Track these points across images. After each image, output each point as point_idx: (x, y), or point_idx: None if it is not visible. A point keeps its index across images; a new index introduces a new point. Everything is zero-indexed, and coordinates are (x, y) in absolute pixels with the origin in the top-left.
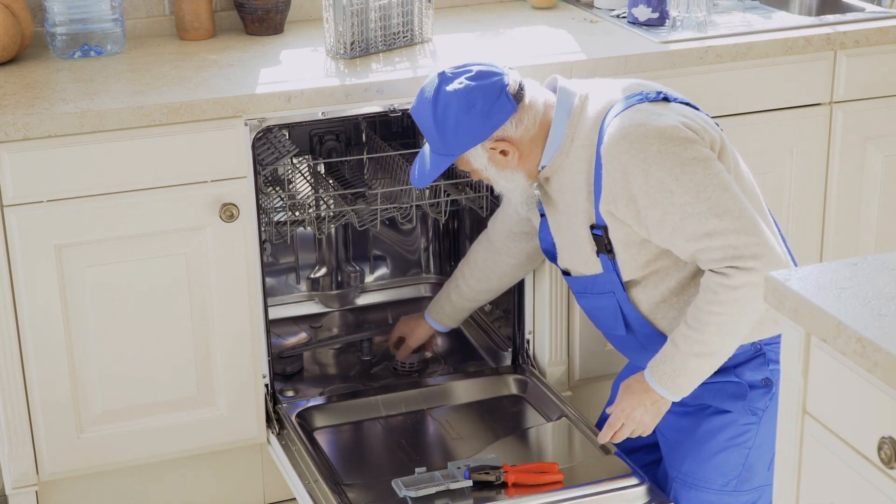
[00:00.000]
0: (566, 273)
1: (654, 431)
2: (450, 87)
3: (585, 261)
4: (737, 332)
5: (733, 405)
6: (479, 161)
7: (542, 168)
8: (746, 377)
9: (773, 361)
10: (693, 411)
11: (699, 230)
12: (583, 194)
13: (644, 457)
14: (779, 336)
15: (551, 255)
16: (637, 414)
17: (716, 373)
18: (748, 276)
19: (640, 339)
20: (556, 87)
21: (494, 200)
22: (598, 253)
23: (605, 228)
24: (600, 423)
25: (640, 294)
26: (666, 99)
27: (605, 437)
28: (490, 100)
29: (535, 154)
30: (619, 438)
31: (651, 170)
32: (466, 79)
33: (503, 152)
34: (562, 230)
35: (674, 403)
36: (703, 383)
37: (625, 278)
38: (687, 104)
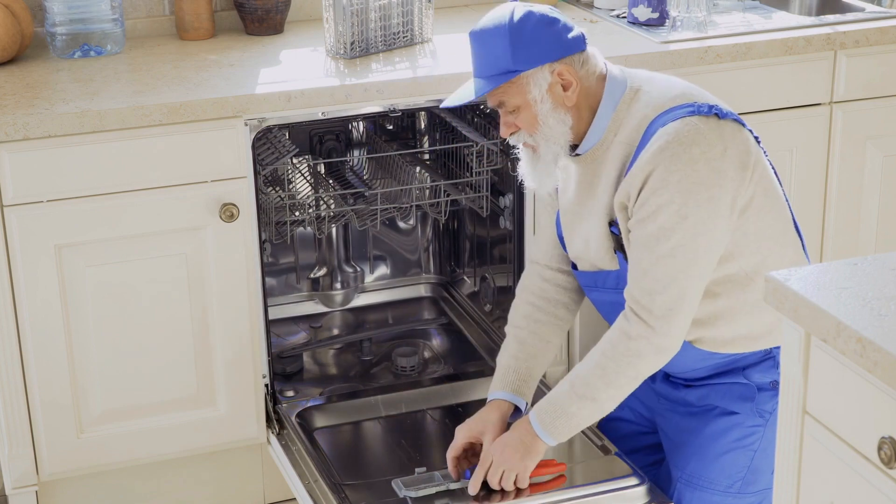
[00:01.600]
0: (575, 266)
1: (657, 432)
2: (528, 7)
3: (602, 256)
4: (619, 385)
5: (741, 407)
6: (537, 88)
7: (577, 154)
8: (755, 379)
9: None
10: (699, 412)
11: (642, 264)
12: (610, 190)
13: (645, 458)
14: None
15: (563, 240)
16: (508, 452)
17: (724, 374)
18: (646, 332)
19: None
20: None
21: (494, 200)
22: (615, 250)
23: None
24: (602, 426)
25: None
26: (717, 115)
27: (473, 488)
28: (568, 27)
29: (584, 112)
30: (492, 482)
31: (661, 188)
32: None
33: (565, 86)
34: (582, 220)
35: (678, 403)
36: (712, 384)
37: None
38: (736, 119)
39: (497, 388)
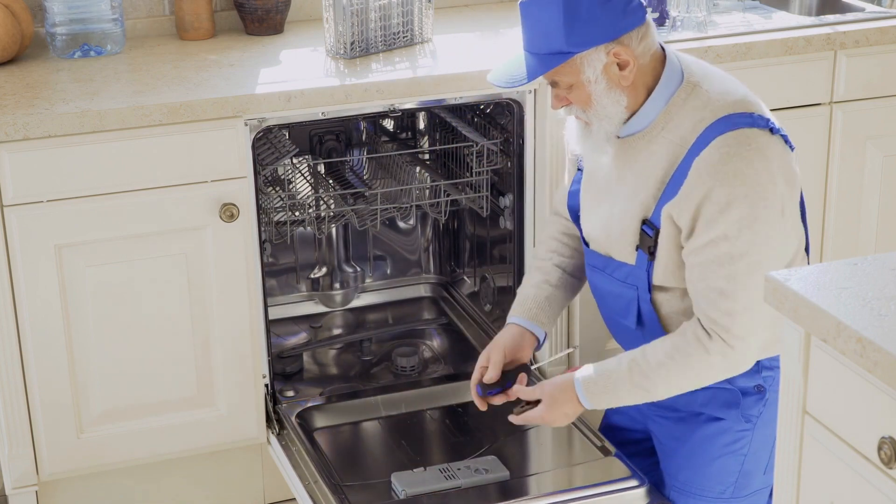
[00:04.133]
0: (586, 243)
1: (651, 436)
2: None
3: (621, 248)
4: (679, 386)
5: (726, 413)
6: (592, 68)
7: (618, 136)
8: (739, 384)
9: (766, 368)
10: (687, 417)
11: (718, 283)
12: (651, 188)
13: (644, 460)
14: None
15: (576, 213)
16: (552, 420)
17: None
18: (725, 350)
19: (647, 337)
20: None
21: (494, 200)
22: (637, 247)
23: (657, 231)
24: (602, 429)
25: (665, 299)
26: (771, 130)
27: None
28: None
29: (640, 90)
30: (523, 419)
31: (730, 206)
32: None
33: (621, 66)
34: (606, 203)
35: (667, 408)
36: (696, 391)
37: (656, 283)
38: (784, 137)
39: (513, 314)
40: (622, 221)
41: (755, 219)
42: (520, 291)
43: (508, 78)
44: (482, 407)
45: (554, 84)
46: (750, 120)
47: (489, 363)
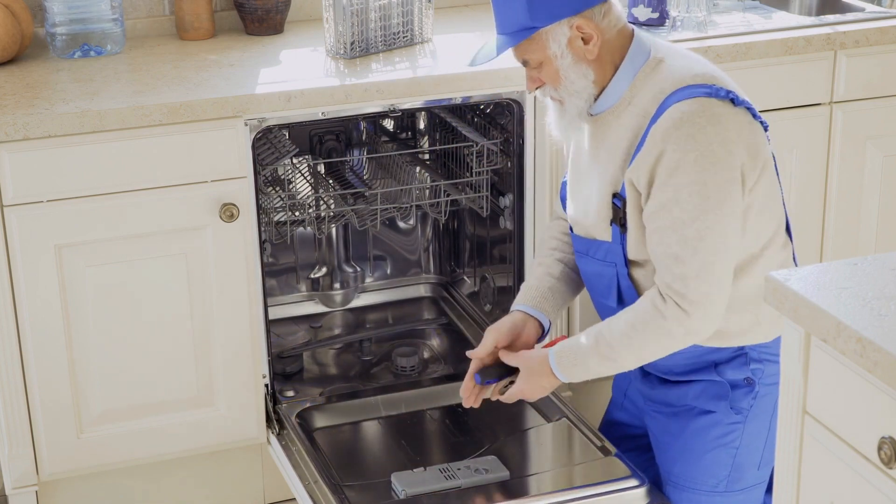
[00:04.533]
0: (571, 229)
1: (646, 432)
2: None
3: (598, 226)
4: (641, 356)
5: (716, 405)
6: (557, 43)
7: (590, 115)
8: (728, 376)
9: (755, 361)
10: (680, 412)
11: (671, 249)
12: (618, 160)
13: (640, 455)
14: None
15: (566, 203)
16: (531, 393)
17: (697, 371)
18: (680, 316)
19: None
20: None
21: (494, 200)
22: (611, 222)
23: (625, 201)
24: (602, 428)
25: (641, 275)
26: (732, 101)
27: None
28: None
29: (607, 66)
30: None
31: (679, 169)
32: None
33: (585, 39)
34: (584, 183)
35: (661, 403)
36: (686, 383)
37: (630, 256)
38: (749, 108)
39: (517, 303)
40: (595, 197)
41: (704, 183)
42: (523, 285)
43: (481, 58)
44: (468, 403)
45: (525, 63)
46: (708, 90)
47: (483, 349)
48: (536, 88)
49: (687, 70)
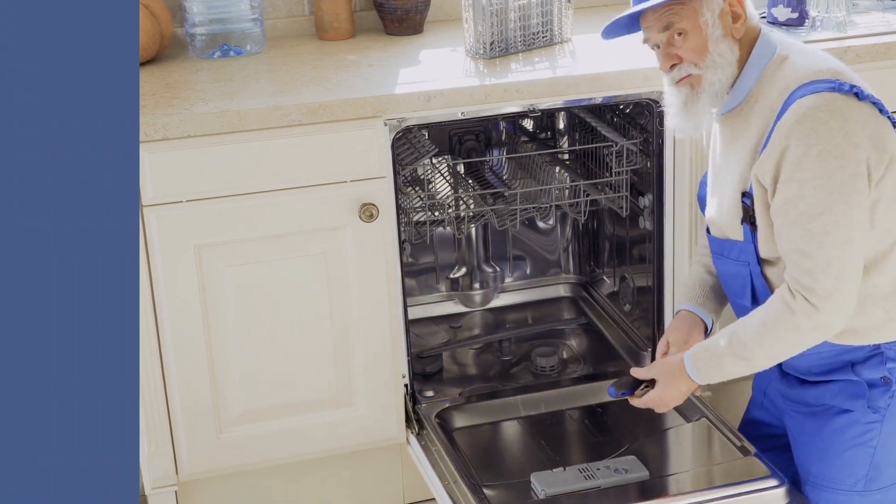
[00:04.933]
0: (708, 230)
1: (786, 432)
2: None
3: (731, 226)
4: (774, 353)
5: (854, 404)
6: (711, 12)
7: (718, 115)
8: (865, 376)
9: (892, 360)
10: (818, 411)
11: (798, 244)
12: (747, 159)
13: (782, 454)
14: None
15: (703, 203)
16: (670, 398)
17: (834, 371)
18: (809, 311)
19: None
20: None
21: (634, 200)
22: (742, 221)
23: (753, 199)
24: (742, 429)
25: (774, 273)
26: (857, 95)
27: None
28: None
29: (742, 54)
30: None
31: (803, 164)
32: None
33: (735, 17)
34: (717, 184)
35: (799, 403)
36: (823, 383)
37: (762, 255)
38: (875, 103)
39: (681, 301)
40: (727, 197)
41: (828, 178)
42: (685, 282)
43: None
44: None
45: (666, 28)
46: (832, 85)
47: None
48: (672, 67)
49: (811, 66)
